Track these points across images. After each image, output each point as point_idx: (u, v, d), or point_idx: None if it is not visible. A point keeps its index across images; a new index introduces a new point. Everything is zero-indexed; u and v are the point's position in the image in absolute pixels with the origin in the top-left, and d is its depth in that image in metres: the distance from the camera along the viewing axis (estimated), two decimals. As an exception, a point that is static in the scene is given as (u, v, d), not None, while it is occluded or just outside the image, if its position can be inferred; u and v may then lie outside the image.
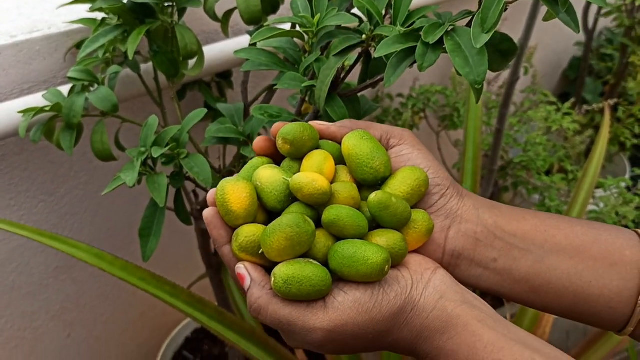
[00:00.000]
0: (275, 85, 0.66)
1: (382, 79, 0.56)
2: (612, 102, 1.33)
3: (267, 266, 0.48)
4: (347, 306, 0.44)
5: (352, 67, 0.62)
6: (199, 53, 0.78)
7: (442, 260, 0.51)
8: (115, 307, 1.17)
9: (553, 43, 1.89)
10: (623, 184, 1.26)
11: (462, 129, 1.35)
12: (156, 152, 0.65)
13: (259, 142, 0.54)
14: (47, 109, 0.73)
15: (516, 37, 1.39)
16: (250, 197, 0.48)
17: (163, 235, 0.72)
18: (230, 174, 0.83)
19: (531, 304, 0.51)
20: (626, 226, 1.28)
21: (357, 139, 0.51)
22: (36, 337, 1.09)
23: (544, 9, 1.41)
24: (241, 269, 0.48)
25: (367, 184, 0.52)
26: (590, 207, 1.23)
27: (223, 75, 1.02)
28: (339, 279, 0.47)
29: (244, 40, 0.99)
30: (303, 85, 0.61)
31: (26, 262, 1.00)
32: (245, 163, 0.81)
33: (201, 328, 1.26)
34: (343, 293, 0.45)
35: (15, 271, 0.99)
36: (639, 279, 0.47)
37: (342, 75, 0.61)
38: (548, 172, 1.44)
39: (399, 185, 0.50)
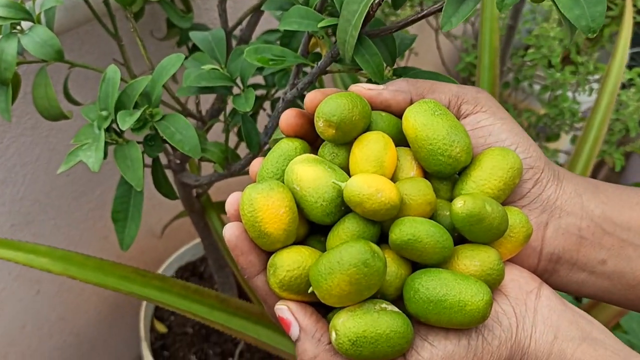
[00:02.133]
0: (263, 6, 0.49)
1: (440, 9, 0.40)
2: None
3: (318, 301, 0.35)
4: None
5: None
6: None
7: (538, 267, 0.40)
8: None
9: None
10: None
11: (464, 23, 1.18)
12: (124, 122, 0.49)
13: (288, 118, 0.40)
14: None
15: None
16: (290, 211, 0.35)
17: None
18: (213, 118, 0.67)
19: None
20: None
21: (426, 115, 0.37)
22: (0, 299, 0.96)
23: None
24: (284, 312, 0.35)
25: (442, 176, 0.38)
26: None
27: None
28: (419, 322, 0.35)
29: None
30: (320, 25, 0.45)
31: (-26, 225, 0.85)
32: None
33: (186, 265, 1.15)
34: (429, 346, 0.34)
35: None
36: None
37: (374, 10, 0.44)
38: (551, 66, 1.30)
39: (487, 178, 0.37)
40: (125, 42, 0.67)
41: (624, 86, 1.18)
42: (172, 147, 0.70)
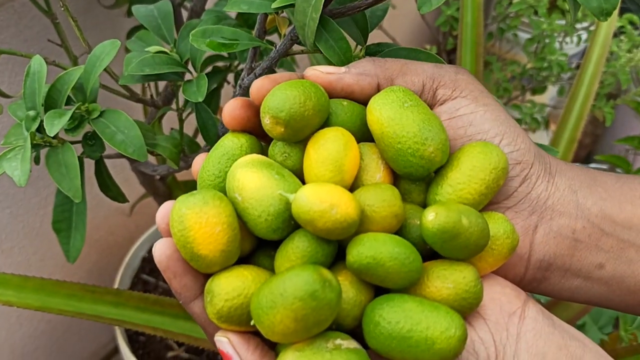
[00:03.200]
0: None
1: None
2: None
3: (258, 331, 0.31)
4: None
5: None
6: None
7: (525, 276, 0.35)
8: (50, 241, 0.98)
9: None
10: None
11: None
12: (52, 126, 0.41)
13: (233, 109, 0.34)
14: None
15: None
16: (229, 229, 0.30)
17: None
18: (167, 104, 0.60)
19: None
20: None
21: (394, 107, 0.32)
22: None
23: None
24: (224, 345, 0.31)
25: (413, 179, 0.32)
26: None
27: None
28: (381, 357, 0.30)
29: None
30: (273, 7, 0.37)
31: None
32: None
33: (158, 244, 1.09)
34: None
35: None
36: None
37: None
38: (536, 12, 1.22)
39: (467, 182, 0.32)
40: (62, 18, 0.59)
41: (614, 35, 1.11)
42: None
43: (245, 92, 0.47)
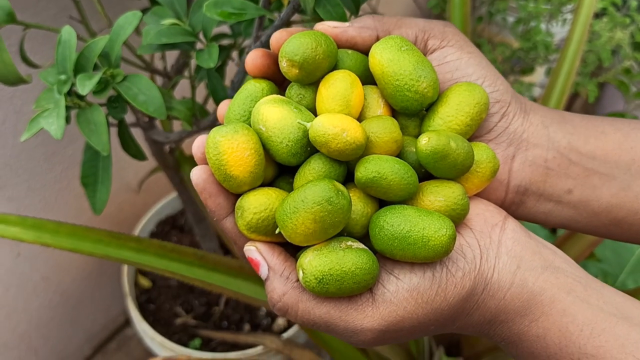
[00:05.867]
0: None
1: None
2: None
3: (287, 242, 0.36)
4: (401, 297, 0.34)
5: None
6: None
7: (505, 199, 0.41)
8: (64, 215, 1.03)
9: None
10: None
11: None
12: (83, 87, 0.47)
13: (254, 59, 0.39)
14: None
15: None
16: (256, 153, 0.35)
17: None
18: (179, 73, 0.65)
19: (610, 237, 0.43)
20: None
21: (392, 51, 0.37)
22: (-20, 264, 0.96)
23: None
24: (253, 252, 0.36)
25: (409, 112, 0.38)
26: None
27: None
28: (385, 257, 0.36)
29: None
30: (279, -23, 0.43)
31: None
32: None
33: (166, 219, 1.15)
34: (395, 279, 0.35)
35: None
36: None
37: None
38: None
39: (454, 114, 0.37)
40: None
41: (597, 16, 1.17)
42: (139, 105, 0.68)
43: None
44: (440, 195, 0.36)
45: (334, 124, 0.34)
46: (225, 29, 0.69)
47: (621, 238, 0.42)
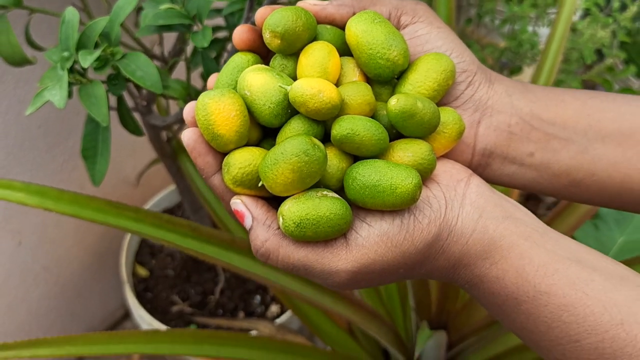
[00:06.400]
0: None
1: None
2: None
3: (270, 196, 0.39)
4: (372, 241, 0.37)
5: None
6: None
7: (472, 161, 0.44)
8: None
9: None
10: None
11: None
12: (85, 60, 0.51)
13: (241, 33, 0.42)
14: None
15: None
16: (241, 114, 0.38)
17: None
18: (175, 63, 0.69)
19: (569, 197, 0.45)
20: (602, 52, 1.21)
21: (366, 22, 0.40)
22: (-17, 251, 0.99)
23: None
24: (238, 205, 0.39)
25: (382, 79, 0.41)
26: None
27: None
28: (358, 207, 0.39)
29: None
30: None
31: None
32: (197, 52, 0.67)
33: (163, 212, 1.18)
34: (367, 226, 0.37)
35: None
36: None
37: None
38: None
39: (423, 80, 0.41)
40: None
41: (585, 15, 1.21)
42: (137, 86, 0.72)
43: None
44: (408, 151, 0.39)
45: (311, 86, 0.37)
46: (220, 21, 0.72)
47: (580, 199, 0.45)
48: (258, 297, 1.08)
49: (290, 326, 1.00)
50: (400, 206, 0.37)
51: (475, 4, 1.30)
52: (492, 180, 0.45)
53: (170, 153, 0.90)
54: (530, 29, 1.26)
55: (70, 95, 0.54)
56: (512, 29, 1.21)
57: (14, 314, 1.09)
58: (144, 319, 0.98)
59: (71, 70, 0.55)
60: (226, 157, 0.39)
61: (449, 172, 0.40)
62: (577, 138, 0.43)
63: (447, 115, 0.41)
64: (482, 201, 0.39)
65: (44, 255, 1.09)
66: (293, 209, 0.36)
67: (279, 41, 0.40)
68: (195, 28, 0.60)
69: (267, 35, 0.40)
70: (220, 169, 0.40)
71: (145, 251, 1.13)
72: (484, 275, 0.37)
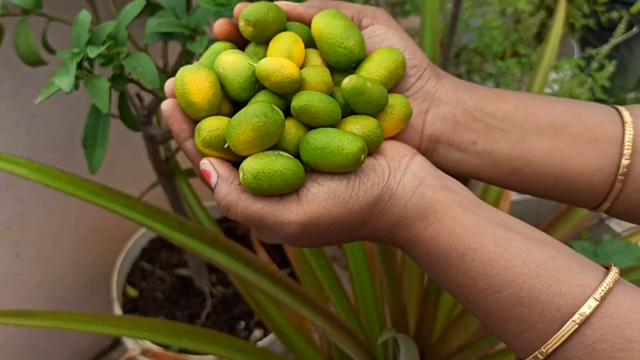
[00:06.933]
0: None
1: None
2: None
3: (235, 161, 0.44)
4: (321, 198, 0.42)
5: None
6: None
7: (420, 145, 0.49)
8: (64, 224, 1.12)
9: None
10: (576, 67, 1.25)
11: (414, 15, 1.29)
12: (92, 52, 0.58)
13: (220, 25, 0.48)
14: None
15: None
16: (213, 86, 0.44)
17: (108, 144, 0.65)
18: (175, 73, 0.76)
19: (511, 186, 0.50)
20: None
21: (328, 17, 0.47)
22: (-19, 259, 1.03)
23: None
24: (206, 165, 0.44)
25: (340, 67, 0.47)
26: (545, 90, 1.22)
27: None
28: (312, 170, 0.43)
29: None
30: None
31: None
32: (190, 61, 0.74)
33: (158, 238, 1.22)
34: (317, 185, 0.42)
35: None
36: (618, 155, 0.46)
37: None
38: (501, 58, 1.41)
39: (375, 68, 0.46)
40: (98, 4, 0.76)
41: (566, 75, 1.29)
42: (139, 98, 0.79)
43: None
44: (358, 124, 0.45)
45: (275, 62, 0.43)
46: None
47: (519, 188, 0.49)
48: (243, 323, 1.11)
49: (273, 349, 1.03)
50: (347, 167, 0.41)
51: (466, 62, 1.39)
52: (440, 166, 0.49)
53: (167, 172, 0.96)
54: (516, 84, 1.34)
55: (77, 86, 0.61)
56: (496, 83, 1.29)
57: (3, 327, 1.11)
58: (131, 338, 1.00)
59: (80, 67, 0.61)
60: (198, 123, 0.44)
61: (395, 149, 0.46)
62: (515, 130, 0.48)
63: (395, 99, 0.47)
64: (423, 173, 0.44)
65: (39, 271, 1.13)
66: (252, 164, 0.41)
67: (252, 29, 0.46)
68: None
69: (241, 24, 0.46)
70: (192, 135, 0.45)
71: (137, 273, 1.17)
72: (421, 235, 0.42)
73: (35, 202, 1.04)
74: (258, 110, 0.41)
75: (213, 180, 0.43)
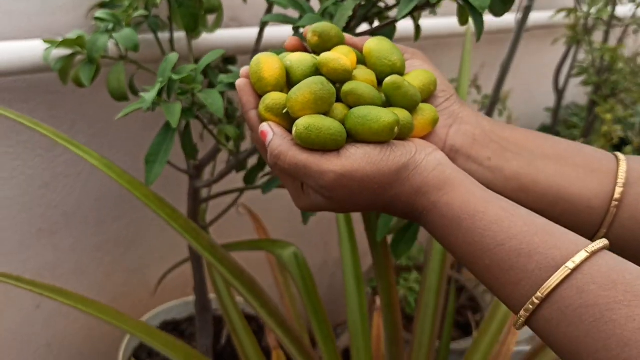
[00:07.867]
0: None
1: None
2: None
3: (289, 128, 0.52)
4: (358, 156, 0.50)
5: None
6: (219, 10, 0.84)
7: (443, 152, 0.56)
8: (90, 284, 1.17)
9: (524, 107, 2.02)
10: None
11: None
12: (175, 77, 0.70)
13: (291, 41, 0.60)
14: (70, 40, 0.78)
15: (492, 85, 1.49)
16: (281, 69, 0.54)
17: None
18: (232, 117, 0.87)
19: (520, 202, 0.55)
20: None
21: (378, 39, 0.58)
22: (4, 301, 1.07)
23: (517, 57, 1.53)
24: (265, 126, 0.52)
25: (384, 77, 0.57)
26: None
27: (228, 61, 1.08)
28: (353, 140, 0.51)
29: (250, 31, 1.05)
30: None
31: (12, 217, 1.01)
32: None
33: (171, 320, 1.25)
34: (355, 147, 0.50)
35: None
36: (613, 184, 0.54)
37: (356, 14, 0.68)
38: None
39: (412, 80, 0.57)
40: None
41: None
42: (192, 154, 0.90)
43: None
44: (395, 111, 0.53)
45: (334, 54, 0.54)
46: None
47: (527, 205, 0.55)
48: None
49: None
50: (381, 135, 0.50)
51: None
52: None
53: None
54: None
55: (153, 109, 0.72)
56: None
57: (2, 380, 1.11)
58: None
59: (159, 95, 0.73)
60: (264, 96, 0.54)
61: (422, 142, 0.54)
62: (525, 153, 0.56)
63: (426, 106, 0.56)
64: (445, 160, 0.52)
65: (52, 329, 1.15)
66: (305, 119, 0.50)
67: (317, 38, 0.57)
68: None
69: (309, 35, 0.58)
70: (256, 107, 0.54)
71: (144, 349, 1.18)
72: (437, 201, 0.49)
73: (71, 256, 1.10)
74: (317, 79, 0.51)
75: (269, 137, 0.52)
